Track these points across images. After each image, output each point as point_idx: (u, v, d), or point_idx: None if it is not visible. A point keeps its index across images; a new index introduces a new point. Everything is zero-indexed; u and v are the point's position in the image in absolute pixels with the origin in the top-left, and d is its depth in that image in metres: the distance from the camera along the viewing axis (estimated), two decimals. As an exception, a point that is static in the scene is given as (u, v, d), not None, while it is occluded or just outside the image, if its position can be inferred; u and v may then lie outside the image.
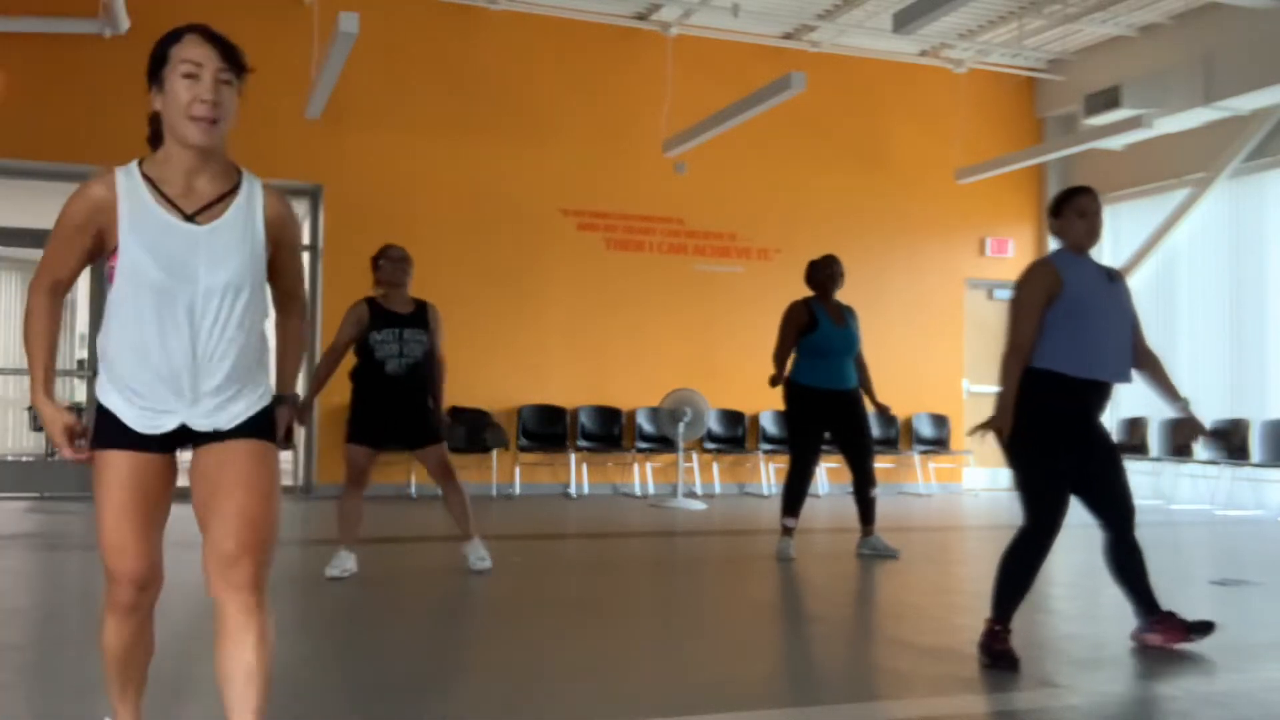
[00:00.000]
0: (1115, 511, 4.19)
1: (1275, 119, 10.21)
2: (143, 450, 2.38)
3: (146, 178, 2.35)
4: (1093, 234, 4.12)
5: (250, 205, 2.41)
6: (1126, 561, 4.25)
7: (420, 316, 5.74)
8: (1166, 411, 4.40)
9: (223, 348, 2.37)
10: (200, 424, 2.39)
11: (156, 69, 2.38)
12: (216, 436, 2.41)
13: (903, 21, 8.21)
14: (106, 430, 2.39)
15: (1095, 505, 4.20)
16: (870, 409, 6.76)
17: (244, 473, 2.40)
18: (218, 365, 2.37)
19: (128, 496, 2.38)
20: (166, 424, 2.38)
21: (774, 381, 6.64)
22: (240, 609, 2.37)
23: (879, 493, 6.78)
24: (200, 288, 2.33)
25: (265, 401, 2.47)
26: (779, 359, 6.63)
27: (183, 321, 2.33)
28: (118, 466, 2.38)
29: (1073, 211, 4.11)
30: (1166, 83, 10.30)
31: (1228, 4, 9.57)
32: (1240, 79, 9.82)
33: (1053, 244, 4.22)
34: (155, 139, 2.43)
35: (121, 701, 2.66)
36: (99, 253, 2.39)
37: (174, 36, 2.40)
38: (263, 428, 2.46)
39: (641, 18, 11.02)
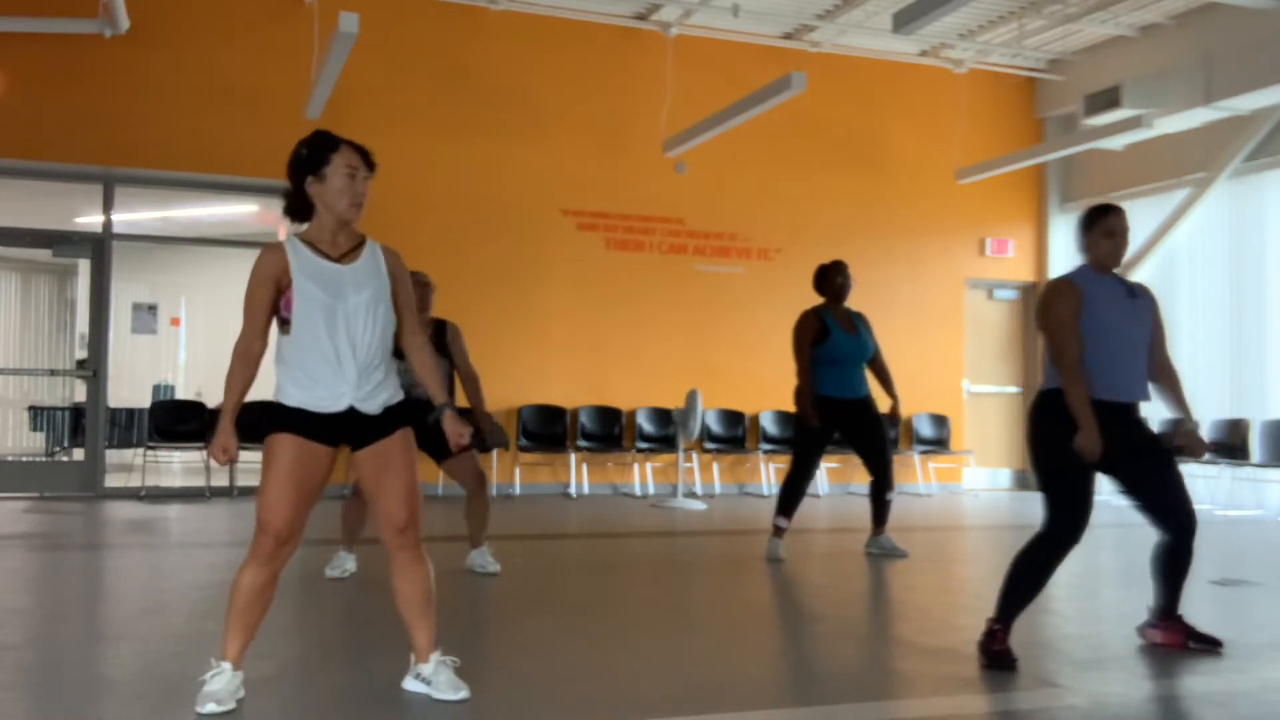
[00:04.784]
0: (1176, 520, 4.12)
1: (1275, 119, 10.20)
2: (310, 439, 3.22)
3: (304, 241, 3.31)
4: (1117, 254, 4.12)
5: (374, 254, 3.38)
6: (1172, 565, 4.21)
7: (438, 340, 5.69)
8: (1166, 412, 4.41)
9: (369, 342, 3.27)
10: (362, 406, 3.26)
11: (317, 165, 3.27)
12: (374, 434, 3.29)
13: (903, 21, 8.20)
14: (281, 419, 3.23)
15: (1152, 512, 4.15)
16: (889, 412, 6.72)
17: (404, 459, 3.34)
18: (368, 354, 3.26)
19: (290, 467, 3.20)
20: (339, 405, 3.24)
21: (810, 402, 6.47)
22: (413, 557, 3.37)
23: (893, 496, 6.77)
24: (350, 304, 3.25)
25: (400, 396, 3.39)
26: (805, 374, 6.52)
27: (342, 326, 3.23)
28: (286, 444, 3.21)
29: (1100, 231, 4.11)
30: (1166, 83, 10.29)
31: (1228, 4, 9.56)
32: (1240, 79, 9.81)
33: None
34: (292, 210, 3.36)
35: (232, 642, 3.25)
36: (279, 298, 3.25)
37: (333, 144, 3.30)
38: (402, 418, 3.37)
39: (641, 18, 11.02)
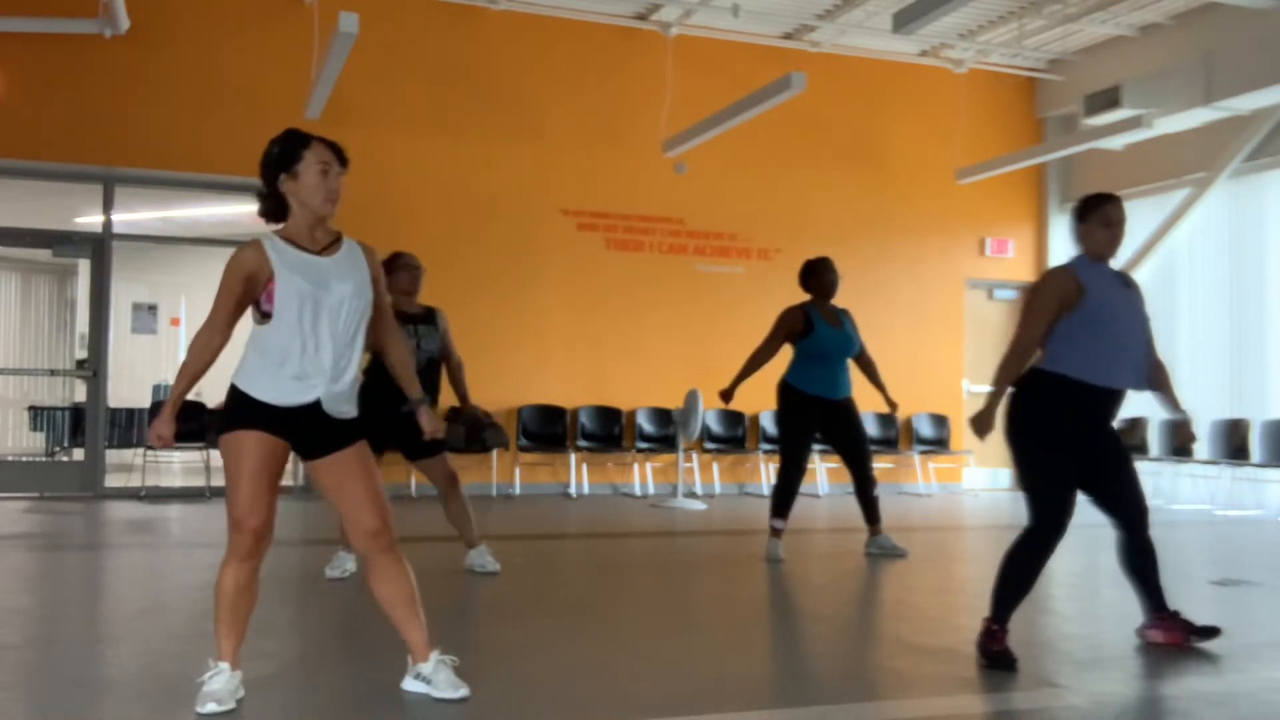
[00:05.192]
0: (1129, 511, 4.22)
1: (1275, 119, 10.20)
2: (272, 434, 3.20)
3: (282, 237, 3.29)
4: (1114, 243, 4.12)
5: (351, 248, 3.40)
6: (1138, 560, 4.28)
7: (430, 317, 5.77)
8: (1165, 413, 4.44)
9: (351, 332, 3.29)
10: (329, 405, 3.23)
11: (290, 162, 3.26)
12: (330, 444, 3.28)
13: (903, 21, 8.20)
14: (245, 414, 3.21)
15: (1109, 506, 4.21)
16: (887, 408, 6.86)
17: (365, 468, 3.33)
18: (346, 344, 3.27)
19: (259, 465, 3.20)
20: (308, 396, 3.21)
21: (724, 396, 6.73)
22: (390, 560, 3.38)
23: (879, 492, 6.79)
24: (335, 295, 3.25)
25: (356, 411, 3.36)
26: (756, 359, 6.65)
27: (326, 316, 3.22)
28: (254, 441, 3.20)
29: (1097, 220, 4.10)
30: (1166, 83, 10.29)
31: (1228, 4, 9.57)
32: (1240, 79, 9.81)
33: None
34: (267, 210, 3.34)
35: (226, 642, 3.27)
36: (252, 296, 3.23)
37: (305, 141, 3.29)
38: (359, 431, 3.37)
39: (641, 18, 11.02)
